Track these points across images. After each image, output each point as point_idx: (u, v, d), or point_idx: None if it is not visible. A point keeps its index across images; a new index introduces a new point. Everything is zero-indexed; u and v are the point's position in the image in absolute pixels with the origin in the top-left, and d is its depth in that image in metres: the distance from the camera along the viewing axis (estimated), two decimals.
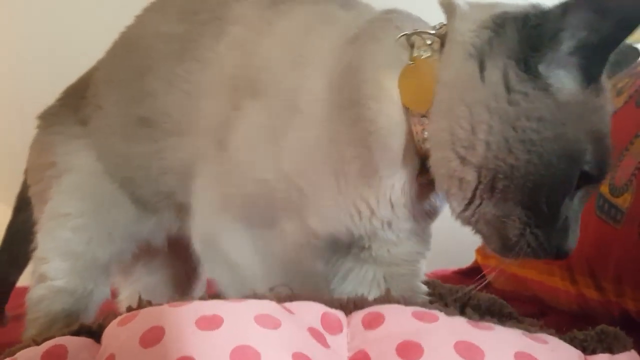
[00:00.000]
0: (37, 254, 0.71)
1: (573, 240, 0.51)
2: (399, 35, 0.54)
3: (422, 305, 0.43)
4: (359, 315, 0.41)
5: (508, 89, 0.49)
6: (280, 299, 0.42)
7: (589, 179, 0.50)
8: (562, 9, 0.48)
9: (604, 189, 0.75)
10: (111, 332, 0.39)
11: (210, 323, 0.36)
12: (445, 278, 0.95)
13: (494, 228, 0.52)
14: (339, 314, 0.42)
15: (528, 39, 0.49)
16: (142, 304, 0.41)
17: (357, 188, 0.54)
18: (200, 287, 0.81)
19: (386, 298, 0.44)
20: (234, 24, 0.62)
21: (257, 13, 0.62)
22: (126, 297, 0.82)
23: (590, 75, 0.49)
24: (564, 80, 0.49)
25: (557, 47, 0.49)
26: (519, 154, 0.48)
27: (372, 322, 0.40)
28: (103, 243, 0.70)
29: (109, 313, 0.54)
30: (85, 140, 0.71)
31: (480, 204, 0.51)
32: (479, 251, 1.05)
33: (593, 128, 0.49)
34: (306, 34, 0.58)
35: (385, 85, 0.53)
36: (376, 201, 0.55)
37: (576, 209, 0.51)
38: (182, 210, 0.65)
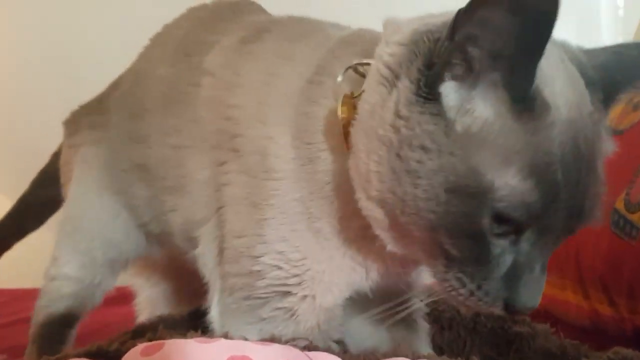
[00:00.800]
0: (56, 238, 0.77)
1: (528, 295, 0.42)
2: (344, 70, 0.50)
3: (429, 357, 0.44)
4: None
5: (396, 114, 0.43)
6: (300, 349, 0.42)
7: (517, 222, 0.41)
8: (462, 15, 0.39)
9: (620, 204, 0.74)
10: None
11: None
12: None
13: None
14: None
15: (426, 54, 0.42)
16: (162, 334, 0.42)
17: (338, 246, 0.52)
18: None
19: (394, 352, 0.45)
20: (207, 75, 0.60)
21: (226, 60, 0.60)
22: (144, 299, 0.84)
23: (517, 92, 0.40)
24: (473, 101, 0.41)
25: (456, 62, 0.41)
26: (406, 186, 0.42)
27: None
28: (103, 248, 0.74)
29: (125, 336, 0.56)
30: (94, 150, 0.74)
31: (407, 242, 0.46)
32: None
33: (520, 159, 0.40)
34: (268, 79, 0.56)
35: (334, 132, 0.50)
36: (357, 253, 0.52)
37: (531, 258, 0.42)
38: (185, 246, 0.64)
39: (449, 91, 0.42)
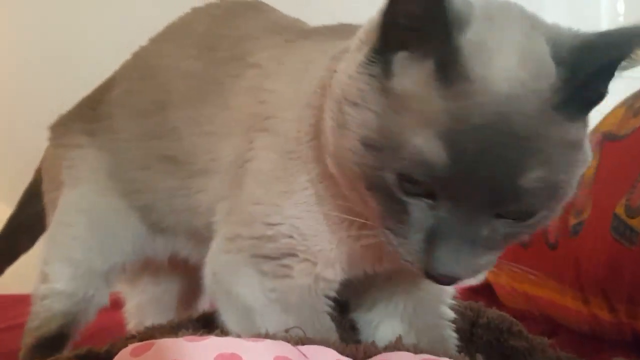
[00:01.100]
0: (42, 255, 0.75)
1: (441, 262, 0.43)
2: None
3: (432, 352, 0.43)
4: None
5: (348, 75, 0.47)
6: (294, 342, 0.42)
7: (421, 182, 0.42)
8: None
9: (620, 210, 0.74)
10: None
11: None
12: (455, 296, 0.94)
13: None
14: None
15: (377, 27, 0.46)
16: (153, 333, 0.41)
17: (348, 230, 0.53)
18: (205, 300, 0.81)
19: (396, 345, 0.44)
20: (252, 67, 0.63)
21: (272, 53, 0.63)
22: (133, 306, 0.83)
23: (439, 62, 0.42)
24: (405, 67, 0.44)
25: (392, 34, 0.44)
26: (340, 138, 0.46)
27: None
28: (102, 255, 0.73)
29: (117, 339, 0.55)
30: (92, 155, 0.73)
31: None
32: None
33: (432, 123, 0.41)
34: (306, 69, 0.58)
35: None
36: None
37: (449, 227, 0.42)
38: (197, 237, 0.66)
39: (398, 60, 0.44)
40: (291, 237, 0.55)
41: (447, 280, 0.44)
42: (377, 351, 0.43)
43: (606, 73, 0.43)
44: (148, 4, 1.51)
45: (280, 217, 0.55)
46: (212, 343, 0.38)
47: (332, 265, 0.55)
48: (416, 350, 0.43)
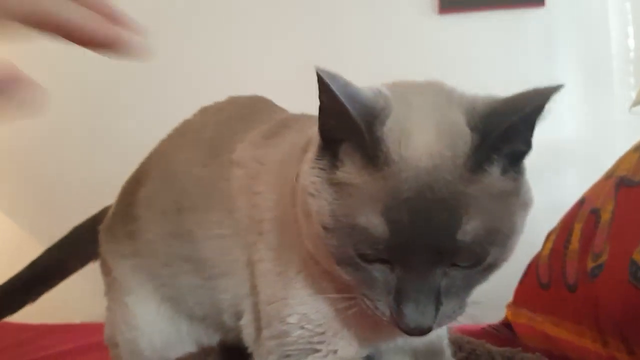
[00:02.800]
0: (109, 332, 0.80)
1: (408, 318, 0.48)
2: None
3: None
4: None
5: (304, 171, 0.55)
6: None
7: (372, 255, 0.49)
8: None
9: (637, 256, 0.75)
10: None
11: None
12: (475, 334, 0.96)
13: None
14: None
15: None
16: None
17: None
18: None
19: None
20: (237, 167, 0.69)
21: (253, 153, 0.69)
22: None
23: (365, 153, 0.49)
24: (344, 160, 0.51)
25: (328, 136, 0.52)
26: (307, 226, 0.54)
27: None
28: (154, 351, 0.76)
29: None
30: (134, 260, 0.77)
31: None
32: (510, 307, 1.06)
33: (369, 204, 0.48)
34: (281, 167, 0.65)
35: None
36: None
37: (407, 285, 0.48)
38: (224, 328, 0.71)
39: (341, 149, 0.51)
40: (302, 327, 0.60)
41: (417, 331, 0.49)
42: None
43: (517, 132, 0.49)
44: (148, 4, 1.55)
45: (288, 309, 0.60)
46: None
47: (351, 343, 0.61)
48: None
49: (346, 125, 0.48)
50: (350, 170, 0.50)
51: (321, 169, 0.52)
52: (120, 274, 0.78)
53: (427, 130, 0.49)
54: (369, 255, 0.49)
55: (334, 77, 0.48)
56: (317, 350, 0.60)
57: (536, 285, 0.95)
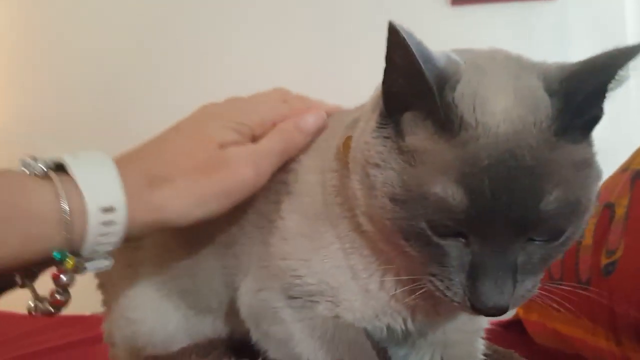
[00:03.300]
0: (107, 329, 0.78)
1: (484, 295, 0.45)
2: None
3: None
4: None
5: (364, 141, 0.52)
6: None
7: (449, 226, 0.45)
8: (384, 68, 0.49)
9: None
10: None
11: None
12: (485, 331, 0.94)
13: None
14: None
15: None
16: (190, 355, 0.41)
17: (373, 281, 0.57)
18: None
19: (452, 347, 0.45)
20: None
21: None
22: None
23: (436, 118, 0.46)
24: (412, 127, 0.48)
25: (395, 101, 0.49)
26: (370, 198, 0.50)
27: None
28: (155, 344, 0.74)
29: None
30: (138, 252, 0.73)
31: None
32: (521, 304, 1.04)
33: (445, 172, 0.45)
34: (326, 139, 0.63)
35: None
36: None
37: (485, 260, 0.45)
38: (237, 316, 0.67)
39: (405, 120, 0.49)
40: (318, 287, 0.58)
41: (494, 311, 0.46)
42: None
43: (597, 96, 0.47)
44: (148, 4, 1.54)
45: (307, 270, 0.58)
46: None
47: (353, 312, 0.58)
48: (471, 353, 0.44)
49: (417, 88, 0.46)
50: (422, 137, 0.47)
51: (386, 137, 0.50)
52: (121, 266, 0.75)
53: (503, 95, 0.47)
54: (443, 228, 0.46)
55: (409, 33, 0.45)
56: (321, 294, 0.58)
57: (548, 281, 0.93)
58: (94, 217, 0.46)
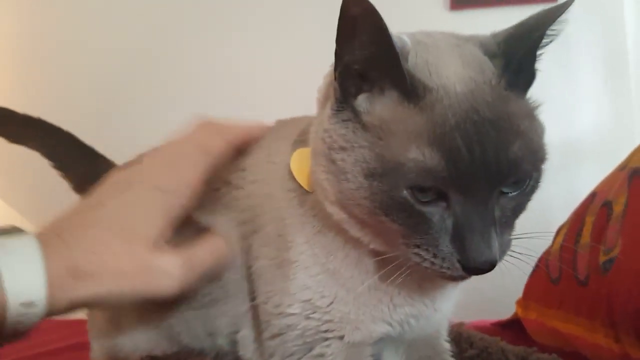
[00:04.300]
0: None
1: (475, 251, 0.46)
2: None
3: None
4: None
5: (323, 129, 0.53)
6: None
7: (430, 188, 0.47)
8: (336, 49, 0.51)
9: None
10: None
11: None
12: (484, 330, 0.94)
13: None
14: None
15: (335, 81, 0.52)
16: None
17: (357, 279, 0.57)
18: None
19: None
20: (225, 186, 0.66)
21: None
22: None
23: (400, 87, 0.48)
24: (373, 103, 0.50)
25: (350, 81, 0.51)
26: (342, 183, 0.50)
27: None
28: None
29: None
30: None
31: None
32: (520, 303, 1.04)
33: (417, 136, 0.47)
34: (272, 161, 0.63)
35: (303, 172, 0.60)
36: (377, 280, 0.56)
37: (468, 217, 0.47)
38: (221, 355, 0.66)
39: (360, 102, 0.51)
40: (308, 317, 0.57)
41: (486, 267, 0.47)
42: None
43: (531, 55, 0.52)
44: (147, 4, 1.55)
45: (289, 298, 0.57)
46: None
47: (358, 328, 0.57)
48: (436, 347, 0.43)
49: (383, 59, 0.48)
50: (387, 109, 0.49)
51: (345, 120, 0.51)
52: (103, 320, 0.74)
53: (451, 61, 0.50)
54: (425, 193, 0.47)
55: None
56: (325, 339, 0.57)
57: (546, 280, 0.93)
58: (14, 309, 0.45)
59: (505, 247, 0.49)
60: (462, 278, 0.50)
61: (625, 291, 0.76)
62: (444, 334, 0.66)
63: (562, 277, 0.89)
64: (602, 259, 0.81)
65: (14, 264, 0.45)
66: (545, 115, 1.72)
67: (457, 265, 0.47)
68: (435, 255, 0.48)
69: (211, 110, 1.74)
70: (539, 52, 0.52)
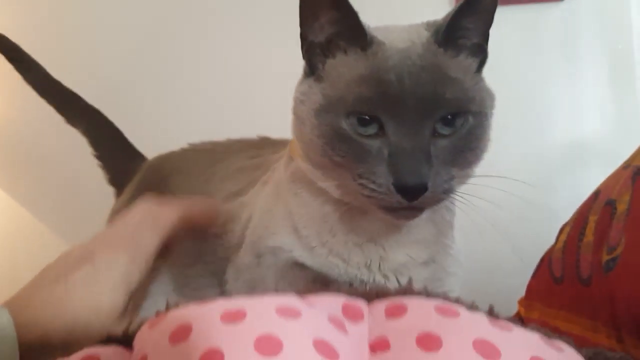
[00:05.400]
0: None
1: (407, 172, 0.54)
2: None
3: (444, 298, 0.44)
4: (381, 305, 0.43)
5: (295, 95, 0.64)
6: (302, 294, 0.44)
7: (367, 114, 0.56)
8: (300, 30, 0.61)
9: None
10: (142, 335, 0.42)
11: (235, 316, 0.38)
12: None
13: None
14: (361, 302, 0.44)
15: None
16: (169, 307, 0.43)
17: (319, 247, 0.66)
18: None
19: (408, 289, 0.45)
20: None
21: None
22: None
23: (358, 42, 0.59)
24: (334, 60, 0.61)
25: (316, 51, 0.61)
26: (304, 132, 0.61)
27: (394, 312, 0.42)
28: None
29: (132, 321, 0.58)
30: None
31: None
32: (522, 302, 1.03)
33: (360, 75, 0.57)
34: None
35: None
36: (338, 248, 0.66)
37: (401, 143, 0.55)
38: None
39: (327, 65, 0.61)
40: (275, 254, 0.66)
41: (418, 188, 0.54)
42: (390, 293, 0.44)
43: (460, 27, 0.60)
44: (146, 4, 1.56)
45: (266, 231, 0.68)
46: (218, 303, 0.41)
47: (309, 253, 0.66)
48: (429, 295, 0.44)
49: (345, 25, 0.59)
50: (339, 60, 0.60)
51: (308, 82, 0.62)
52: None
53: (397, 30, 0.63)
54: (364, 129, 0.56)
55: None
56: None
57: (549, 279, 0.93)
58: None
59: (443, 183, 0.56)
60: (401, 206, 0.56)
61: (628, 291, 0.75)
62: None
63: (565, 277, 0.88)
64: (605, 258, 0.81)
65: None
66: (551, 117, 1.73)
67: (392, 188, 0.54)
68: (374, 182, 0.55)
69: (214, 112, 1.75)
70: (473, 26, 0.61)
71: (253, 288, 0.67)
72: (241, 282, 0.69)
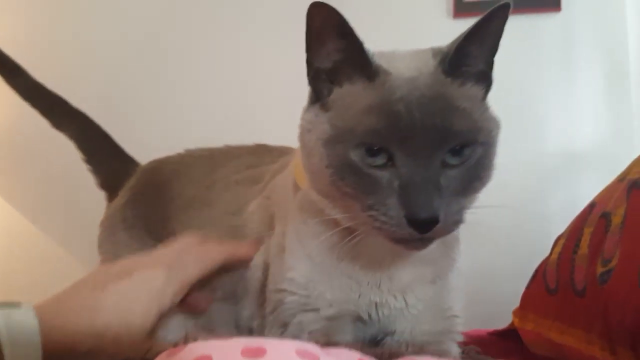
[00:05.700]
0: None
1: (419, 205, 0.53)
2: None
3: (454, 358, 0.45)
4: None
5: (301, 123, 0.63)
6: (320, 344, 0.45)
7: (376, 146, 0.55)
8: (307, 60, 0.62)
9: None
10: None
11: (255, 353, 0.39)
12: (480, 339, 0.94)
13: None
14: None
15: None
16: (188, 339, 0.45)
17: (330, 265, 0.66)
18: None
19: (420, 349, 0.45)
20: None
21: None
22: None
23: (364, 71, 0.59)
24: (341, 89, 0.60)
25: (322, 79, 0.61)
26: (312, 162, 0.60)
27: None
28: None
29: (152, 347, 0.58)
30: None
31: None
32: (516, 313, 1.03)
33: (368, 106, 0.57)
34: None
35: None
36: (349, 267, 0.66)
37: (412, 176, 0.54)
38: None
39: (334, 94, 0.60)
40: (293, 293, 0.66)
41: (430, 221, 0.53)
42: (403, 354, 0.46)
43: (468, 51, 0.60)
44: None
45: (281, 277, 0.67)
46: (239, 340, 0.42)
47: (331, 305, 0.65)
48: (440, 355, 0.46)
49: (350, 52, 0.58)
50: (346, 89, 0.59)
51: (314, 112, 0.61)
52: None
53: (403, 58, 0.62)
54: (373, 159, 0.55)
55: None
56: (305, 311, 0.65)
57: (543, 290, 0.93)
58: None
59: (455, 215, 0.56)
60: (412, 238, 0.55)
61: (622, 303, 0.75)
62: (454, 335, 0.69)
63: (559, 288, 0.88)
64: (600, 270, 0.81)
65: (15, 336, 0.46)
66: (546, 125, 1.72)
67: (404, 221, 0.53)
68: (385, 214, 0.54)
69: (216, 114, 1.74)
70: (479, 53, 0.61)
71: None
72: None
